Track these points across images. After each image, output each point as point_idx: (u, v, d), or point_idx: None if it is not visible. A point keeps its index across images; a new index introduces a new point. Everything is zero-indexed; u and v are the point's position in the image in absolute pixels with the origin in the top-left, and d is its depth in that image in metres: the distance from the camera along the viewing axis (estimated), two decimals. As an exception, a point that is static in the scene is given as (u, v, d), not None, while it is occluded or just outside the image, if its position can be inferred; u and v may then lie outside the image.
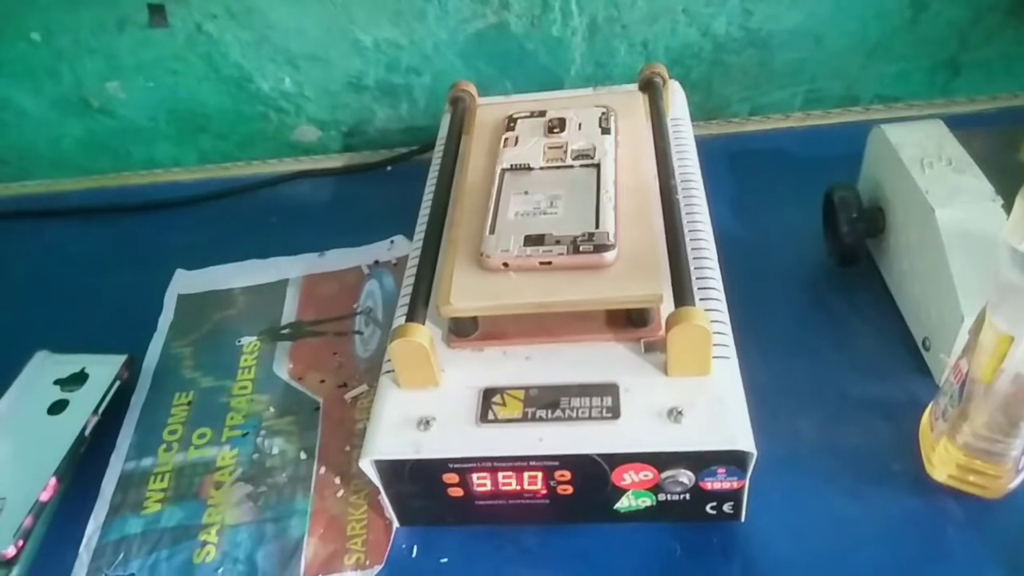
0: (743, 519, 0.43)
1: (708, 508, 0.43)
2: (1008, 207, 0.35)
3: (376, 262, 0.65)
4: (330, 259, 0.66)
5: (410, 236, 0.55)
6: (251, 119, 0.80)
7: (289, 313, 0.62)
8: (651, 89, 0.56)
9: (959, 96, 0.75)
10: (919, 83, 0.75)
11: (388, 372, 0.44)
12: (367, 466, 0.42)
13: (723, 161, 0.69)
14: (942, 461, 0.44)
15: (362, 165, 0.78)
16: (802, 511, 0.45)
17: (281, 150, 0.82)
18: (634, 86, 0.58)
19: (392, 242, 0.66)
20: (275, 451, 0.52)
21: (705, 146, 0.58)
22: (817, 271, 0.58)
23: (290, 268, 0.66)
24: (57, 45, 0.75)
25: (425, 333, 0.41)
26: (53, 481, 0.50)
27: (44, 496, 0.49)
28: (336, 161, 0.79)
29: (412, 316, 0.43)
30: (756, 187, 0.66)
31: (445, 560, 0.45)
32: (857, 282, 0.57)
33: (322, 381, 0.56)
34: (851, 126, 0.73)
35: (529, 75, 0.75)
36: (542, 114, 0.53)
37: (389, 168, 0.77)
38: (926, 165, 0.50)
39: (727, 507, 0.42)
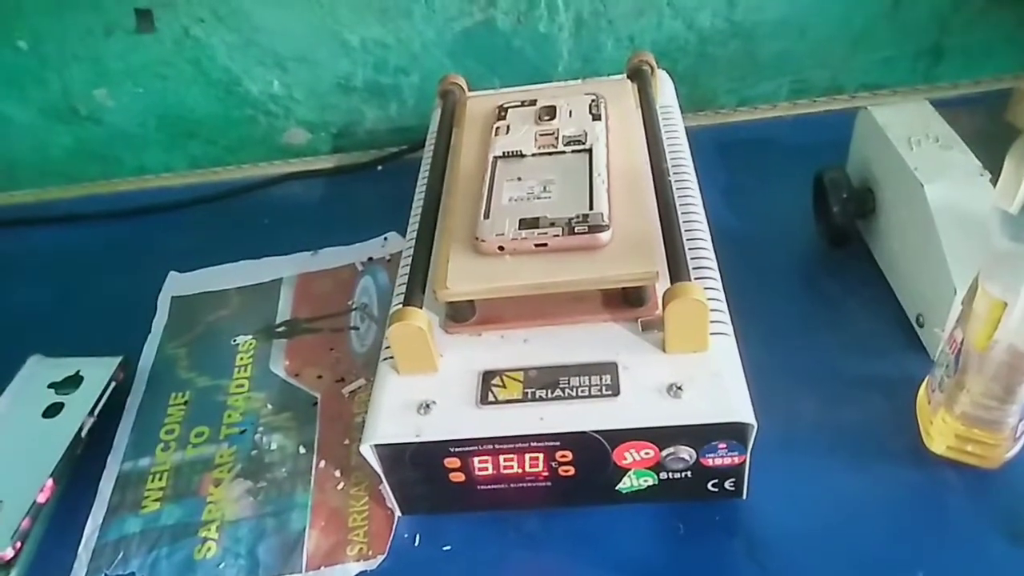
0: (745, 496, 0.43)
1: (710, 486, 0.43)
2: (995, 181, 0.35)
3: (370, 259, 0.65)
4: (323, 257, 0.66)
5: (403, 233, 0.55)
6: (240, 123, 0.80)
7: (284, 311, 0.62)
8: (639, 77, 0.57)
9: (942, 82, 0.76)
10: (903, 70, 0.76)
11: (387, 359, 0.44)
12: (367, 452, 0.41)
13: (712, 151, 0.69)
14: (940, 433, 0.44)
15: (353, 165, 0.78)
16: (803, 488, 0.45)
17: (271, 153, 0.82)
18: (623, 76, 0.59)
19: (385, 239, 0.66)
20: (274, 447, 0.52)
21: (694, 137, 0.58)
22: (809, 254, 0.59)
23: (283, 267, 0.66)
24: (44, 52, 0.74)
25: (423, 317, 0.41)
26: (50, 483, 0.49)
27: (41, 498, 0.49)
28: (326, 162, 0.79)
29: (409, 301, 0.42)
30: (746, 176, 0.67)
31: (448, 548, 0.45)
32: (849, 263, 0.57)
33: (319, 377, 0.56)
34: (837, 114, 0.73)
35: (517, 72, 0.75)
36: (532, 103, 0.53)
37: (380, 168, 0.77)
38: (913, 143, 0.51)
39: (728, 484, 0.43)
